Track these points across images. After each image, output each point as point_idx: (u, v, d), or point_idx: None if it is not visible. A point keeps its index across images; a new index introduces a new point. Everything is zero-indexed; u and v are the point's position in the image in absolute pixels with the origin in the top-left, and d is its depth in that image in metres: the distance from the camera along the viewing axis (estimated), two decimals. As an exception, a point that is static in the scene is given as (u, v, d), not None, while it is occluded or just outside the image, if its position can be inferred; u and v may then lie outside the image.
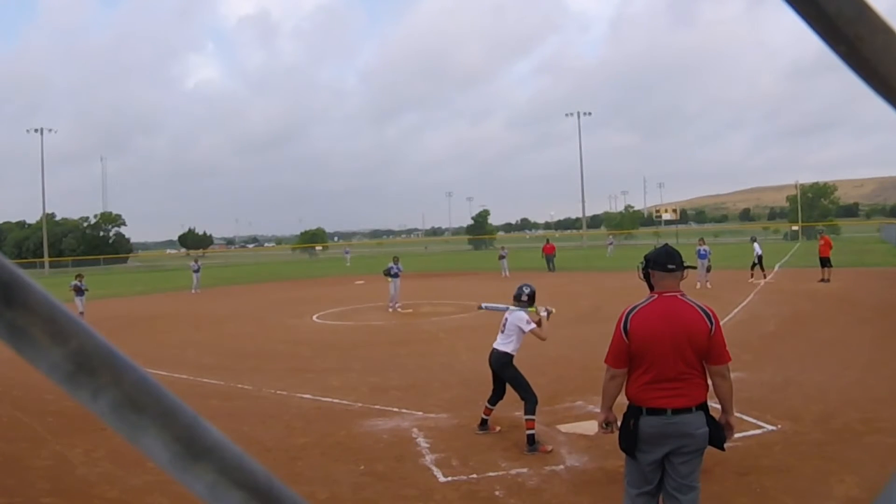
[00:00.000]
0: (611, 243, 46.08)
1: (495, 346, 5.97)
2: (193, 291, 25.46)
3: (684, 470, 3.30)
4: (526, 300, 6.04)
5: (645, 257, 3.61)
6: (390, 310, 16.46)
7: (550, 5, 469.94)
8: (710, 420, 3.35)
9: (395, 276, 17.09)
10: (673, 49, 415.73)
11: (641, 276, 3.66)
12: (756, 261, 19.73)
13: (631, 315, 3.40)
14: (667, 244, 3.71)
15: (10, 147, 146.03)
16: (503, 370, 5.85)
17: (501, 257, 28.07)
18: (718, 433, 3.37)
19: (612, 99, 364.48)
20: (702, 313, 3.37)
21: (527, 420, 5.57)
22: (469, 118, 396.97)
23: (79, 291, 17.01)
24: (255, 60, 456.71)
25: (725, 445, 3.47)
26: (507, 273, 27.15)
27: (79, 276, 17.51)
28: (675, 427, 3.27)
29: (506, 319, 6.00)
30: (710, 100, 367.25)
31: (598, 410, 3.72)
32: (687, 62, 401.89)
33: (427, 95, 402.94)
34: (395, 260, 17.83)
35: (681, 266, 3.49)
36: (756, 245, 20.15)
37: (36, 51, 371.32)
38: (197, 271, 26.57)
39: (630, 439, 3.34)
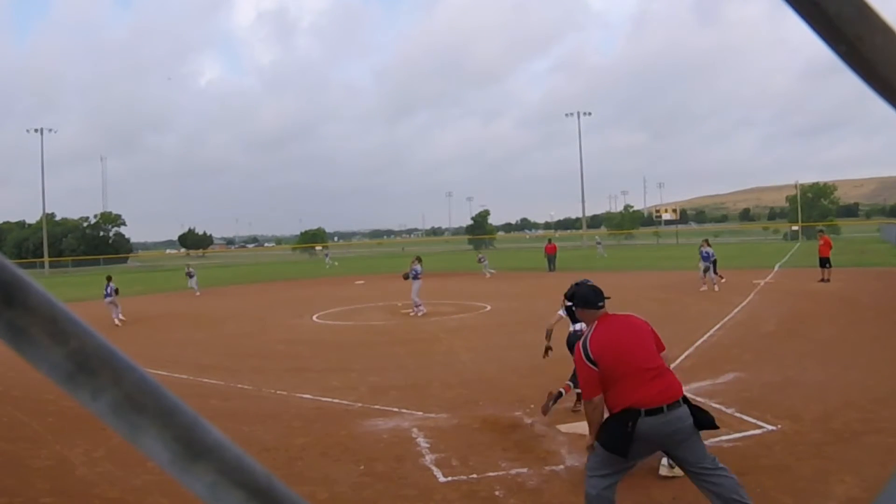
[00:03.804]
0: (599, 243, 46.34)
1: (575, 328, 6.67)
2: (197, 294, 25.20)
3: (695, 455, 3.48)
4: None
5: (569, 296, 3.96)
6: (420, 314, 15.14)
7: (573, 3, 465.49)
8: (694, 408, 3.56)
9: (414, 278, 15.67)
10: (692, 47, 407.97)
11: (565, 311, 3.98)
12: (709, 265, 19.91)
13: (588, 343, 3.63)
14: (588, 281, 4.11)
15: (15, 146, 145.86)
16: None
17: (480, 261, 29.40)
18: (705, 416, 3.56)
19: (626, 97, 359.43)
20: (635, 316, 3.85)
21: (567, 384, 6.17)
22: (481, 117, 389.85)
23: (109, 294, 16.54)
24: (271, 57, 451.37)
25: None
26: (489, 274, 28.16)
27: (108, 279, 17.14)
28: (669, 424, 3.45)
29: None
30: (722, 99, 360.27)
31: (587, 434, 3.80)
32: (705, 60, 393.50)
33: (441, 94, 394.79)
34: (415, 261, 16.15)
35: (604, 301, 3.87)
36: (709, 250, 20.41)
37: (48, 48, 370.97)
38: (192, 276, 26.47)
39: (625, 442, 3.46)
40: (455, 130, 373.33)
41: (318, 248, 74.70)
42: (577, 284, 4.10)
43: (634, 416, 3.44)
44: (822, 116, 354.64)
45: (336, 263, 44.71)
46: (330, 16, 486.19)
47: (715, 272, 19.70)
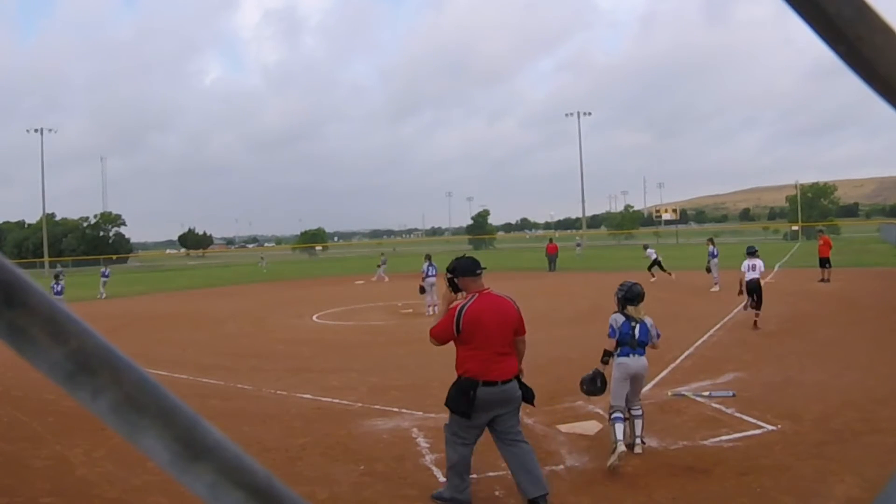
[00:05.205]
0: (578, 245, 46.02)
1: (749, 278, 11.48)
2: (103, 296, 25.06)
3: (508, 424, 4.34)
4: (755, 251, 11.81)
5: (452, 269, 4.54)
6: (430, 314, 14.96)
7: (581, 2, 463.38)
8: (522, 384, 4.40)
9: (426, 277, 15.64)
10: (699, 47, 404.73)
11: (447, 283, 4.55)
12: (653, 264, 21.45)
13: (463, 312, 4.30)
14: (466, 255, 4.72)
15: (17, 145, 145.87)
16: (759, 287, 11.28)
17: (379, 265, 28.90)
18: (529, 393, 4.44)
19: (631, 97, 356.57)
20: (510, 300, 4.48)
21: (758, 313, 11.14)
22: (486, 116, 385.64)
23: (59, 293, 17.22)
24: (276, 56, 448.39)
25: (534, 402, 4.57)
26: (386, 278, 27.66)
27: (56, 276, 17.79)
28: (504, 395, 4.29)
29: (755, 264, 11.51)
30: (728, 98, 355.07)
31: (442, 308, 4.69)
32: (711, 60, 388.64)
33: (446, 93, 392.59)
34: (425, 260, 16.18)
35: (482, 269, 4.55)
36: (650, 251, 22.32)
37: (52, 47, 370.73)
38: (106, 276, 26.60)
39: (467, 405, 4.22)
40: (458, 130, 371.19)
41: (319, 247, 74.65)
42: (457, 259, 4.64)
43: (474, 385, 4.22)
44: (825, 117, 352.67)
45: (265, 269, 41.77)
46: (337, 14, 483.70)
47: (662, 269, 20.54)
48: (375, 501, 4.61)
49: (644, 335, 5.34)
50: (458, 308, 4.33)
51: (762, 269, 11.69)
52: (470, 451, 4.39)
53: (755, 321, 11.13)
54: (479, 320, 4.29)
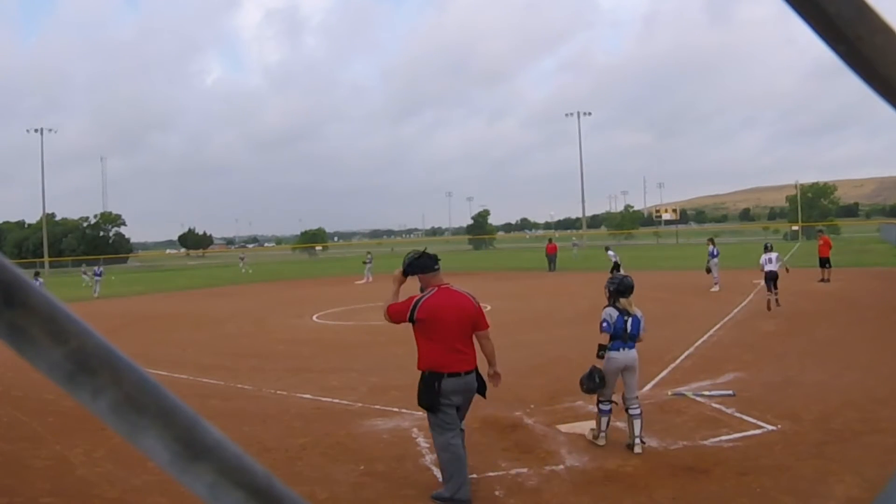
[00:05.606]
0: (575, 245, 45.52)
1: (769, 269, 13.27)
2: (95, 295, 25.24)
3: (462, 411, 4.63)
4: (771, 246, 13.91)
5: (407, 267, 4.69)
6: None
7: (583, 1, 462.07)
8: (479, 377, 4.62)
9: None
10: (701, 47, 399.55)
11: (402, 274, 4.71)
12: (615, 267, 21.34)
13: (418, 305, 4.52)
14: (423, 252, 4.78)
15: (18, 145, 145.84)
16: (777, 276, 13.01)
17: (366, 262, 28.69)
18: (483, 386, 4.66)
19: (633, 97, 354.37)
20: (469, 296, 4.66)
21: (776, 293, 12.83)
22: (486, 116, 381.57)
23: None
24: (278, 56, 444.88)
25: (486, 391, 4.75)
26: (371, 278, 27.57)
27: (36, 274, 17.71)
28: (466, 385, 4.51)
29: (772, 257, 13.42)
30: (729, 98, 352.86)
31: (390, 292, 4.84)
32: (713, 60, 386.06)
33: (447, 93, 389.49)
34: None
35: (438, 264, 4.70)
36: (610, 252, 22.68)
37: (54, 46, 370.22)
38: (99, 275, 26.86)
39: (433, 398, 4.40)
40: (458, 130, 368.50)
41: (319, 247, 74.62)
42: (415, 256, 4.76)
43: (439, 377, 4.41)
44: (826, 117, 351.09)
45: (250, 271, 40.93)
46: (338, 14, 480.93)
47: (618, 271, 20.63)
48: (375, 501, 4.61)
49: (636, 329, 5.41)
50: (416, 298, 4.56)
51: (779, 260, 13.67)
52: (460, 446, 4.45)
53: (776, 300, 13.01)
54: (436, 315, 4.47)
